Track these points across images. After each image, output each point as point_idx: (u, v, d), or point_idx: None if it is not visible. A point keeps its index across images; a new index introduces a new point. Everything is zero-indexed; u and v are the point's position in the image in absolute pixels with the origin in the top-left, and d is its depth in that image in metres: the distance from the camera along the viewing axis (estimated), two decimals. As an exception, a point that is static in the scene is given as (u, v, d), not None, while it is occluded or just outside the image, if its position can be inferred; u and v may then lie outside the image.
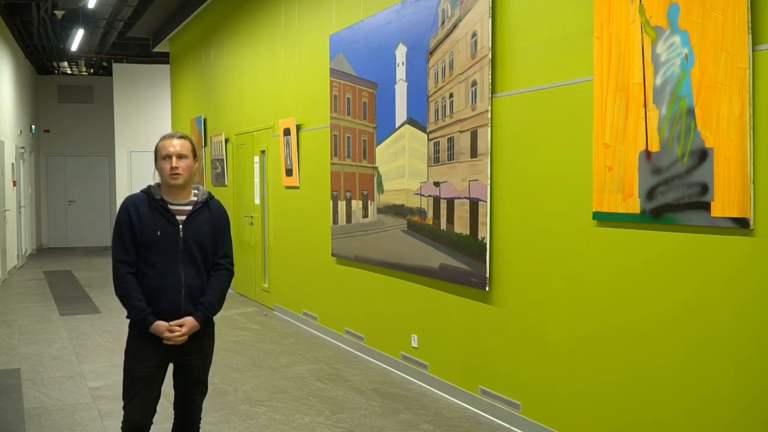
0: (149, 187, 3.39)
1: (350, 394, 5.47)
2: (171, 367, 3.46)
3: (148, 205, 3.31)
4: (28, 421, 4.89)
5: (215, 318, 3.49)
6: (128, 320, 3.37)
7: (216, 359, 6.47)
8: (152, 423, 3.39)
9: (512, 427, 4.66)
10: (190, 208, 3.36)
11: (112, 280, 3.34)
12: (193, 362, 3.42)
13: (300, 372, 6.10)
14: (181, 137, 3.36)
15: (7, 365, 6.39)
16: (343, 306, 7.02)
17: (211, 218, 3.41)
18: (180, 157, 3.30)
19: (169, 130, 14.26)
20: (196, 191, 3.44)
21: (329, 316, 7.34)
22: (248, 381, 5.84)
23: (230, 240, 3.52)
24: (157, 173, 3.38)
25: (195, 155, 3.40)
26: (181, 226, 3.31)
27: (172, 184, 3.31)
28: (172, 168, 3.29)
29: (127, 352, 3.38)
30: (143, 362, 3.31)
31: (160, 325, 3.27)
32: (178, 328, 3.28)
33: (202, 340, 3.42)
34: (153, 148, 3.43)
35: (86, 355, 6.66)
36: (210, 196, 3.46)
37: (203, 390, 3.52)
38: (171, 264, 3.29)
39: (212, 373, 6.01)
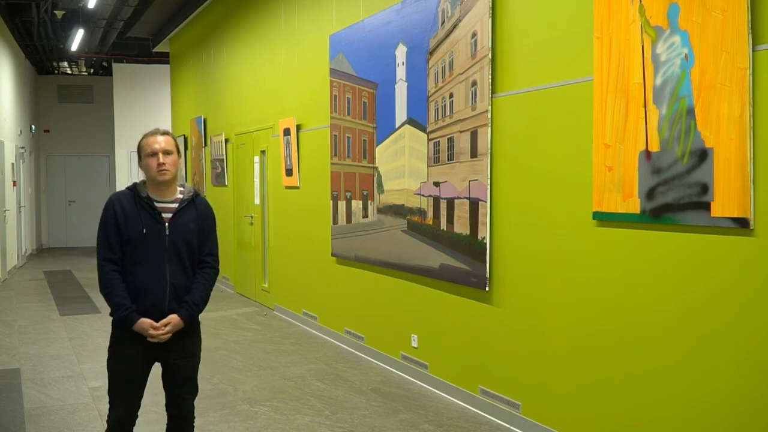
0: (135, 184, 3.37)
1: (350, 394, 5.47)
2: (161, 369, 3.45)
3: (134, 203, 3.29)
4: (28, 421, 4.89)
5: (201, 317, 3.47)
6: (112, 319, 3.33)
7: (216, 359, 6.52)
8: (138, 416, 3.40)
9: (512, 427, 4.66)
10: (176, 205, 3.35)
11: (97, 278, 3.32)
12: (180, 362, 3.39)
13: (300, 372, 6.10)
14: (164, 133, 3.35)
15: (7, 365, 6.39)
16: (343, 306, 7.02)
17: (197, 216, 3.39)
18: (166, 153, 3.29)
19: (168, 130, 14.32)
20: (181, 188, 3.42)
21: (329, 316, 7.34)
22: (248, 381, 5.84)
23: (216, 238, 3.50)
24: (141, 171, 3.36)
25: (179, 151, 3.39)
26: (167, 224, 3.30)
27: (161, 181, 3.29)
28: (159, 164, 3.27)
29: (111, 351, 3.36)
30: (128, 362, 3.30)
31: (144, 322, 3.24)
32: (163, 328, 3.26)
33: (188, 339, 3.40)
34: None
35: (86, 355, 6.66)
36: (196, 194, 3.44)
37: (194, 389, 3.49)
38: (156, 262, 3.27)
39: (212, 372, 6.05)
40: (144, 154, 3.32)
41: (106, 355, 3.39)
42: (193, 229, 3.36)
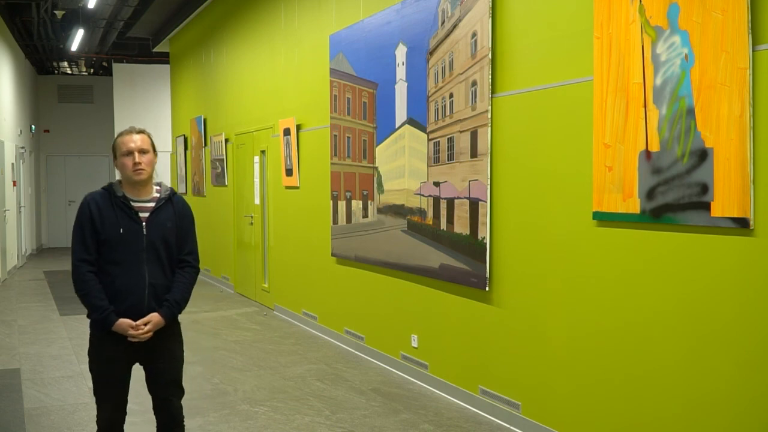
0: (110, 184, 3.33)
1: (350, 394, 5.47)
2: (144, 374, 3.42)
3: (110, 203, 3.25)
4: (28, 421, 4.89)
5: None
6: (90, 322, 3.29)
7: (216, 359, 6.52)
8: (126, 413, 3.39)
9: (512, 427, 4.66)
10: (152, 204, 3.31)
11: (72, 279, 3.28)
12: (163, 364, 3.36)
13: (300, 372, 6.10)
14: (140, 132, 3.31)
15: (7, 365, 6.39)
16: (343, 306, 7.02)
17: (175, 214, 3.35)
18: (142, 152, 3.26)
19: (168, 130, 14.33)
20: (158, 187, 3.38)
21: (329, 316, 7.34)
22: (248, 381, 5.84)
23: (195, 236, 3.47)
24: (117, 171, 3.33)
25: (154, 149, 3.36)
26: (144, 224, 3.26)
27: (137, 180, 3.26)
28: (135, 164, 3.24)
29: (91, 354, 3.33)
30: (110, 363, 3.27)
31: (123, 322, 3.21)
32: (143, 327, 3.22)
33: (168, 341, 3.36)
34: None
35: (86, 355, 6.65)
36: (173, 192, 3.40)
37: (179, 391, 3.44)
38: (134, 262, 3.23)
39: (212, 372, 6.05)
40: (119, 153, 3.28)
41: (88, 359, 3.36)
42: (171, 227, 3.33)
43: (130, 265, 3.23)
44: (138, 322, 3.22)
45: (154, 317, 3.25)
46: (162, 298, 3.29)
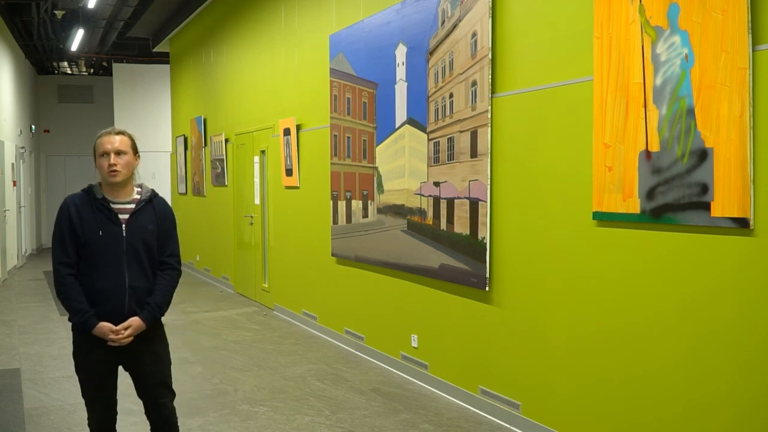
0: (90, 186, 3.30)
1: (350, 394, 5.47)
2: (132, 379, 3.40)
3: (89, 205, 3.22)
4: (28, 421, 4.89)
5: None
6: (71, 324, 3.27)
7: (216, 359, 6.53)
8: (117, 412, 3.37)
9: (512, 427, 4.66)
10: (133, 206, 3.28)
11: (54, 282, 3.25)
12: (148, 367, 3.33)
13: (300, 372, 6.10)
14: (119, 133, 3.28)
15: (7, 365, 6.40)
16: (343, 306, 7.02)
17: (156, 216, 3.32)
18: (118, 153, 3.22)
19: (168, 130, 14.33)
20: (138, 189, 3.35)
21: (329, 316, 7.34)
22: (248, 381, 5.84)
23: (177, 238, 3.43)
24: (97, 172, 3.30)
25: (136, 151, 3.32)
26: (124, 226, 3.23)
27: (112, 182, 3.23)
28: (110, 165, 3.20)
29: (75, 358, 3.30)
30: (93, 366, 3.25)
31: (104, 326, 3.17)
32: (123, 331, 3.19)
33: (151, 343, 3.32)
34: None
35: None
36: (154, 194, 3.37)
37: (169, 393, 3.40)
38: (114, 265, 3.20)
39: (212, 372, 6.06)
40: (97, 154, 3.26)
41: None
42: (152, 230, 3.29)
43: (110, 267, 3.20)
44: (118, 327, 3.19)
45: (135, 321, 3.22)
46: (143, 301, 3.26)
